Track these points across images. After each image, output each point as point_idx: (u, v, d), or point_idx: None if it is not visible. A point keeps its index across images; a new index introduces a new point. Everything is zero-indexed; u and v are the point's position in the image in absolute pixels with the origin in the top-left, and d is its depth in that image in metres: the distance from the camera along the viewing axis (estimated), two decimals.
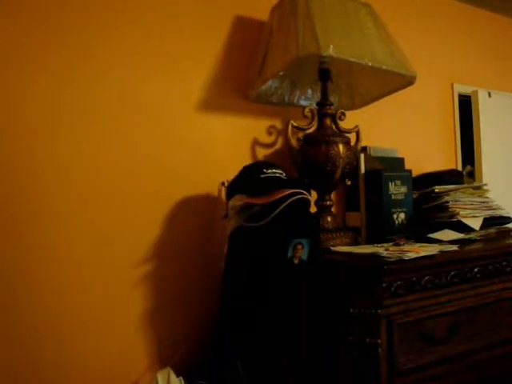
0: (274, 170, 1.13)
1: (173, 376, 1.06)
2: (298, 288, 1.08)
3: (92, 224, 1.19)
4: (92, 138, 1.20)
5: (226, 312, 1.13)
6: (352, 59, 1.17)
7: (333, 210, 1.37)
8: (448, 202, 1.36)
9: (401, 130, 1.84)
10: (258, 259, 1.08)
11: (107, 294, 1.19)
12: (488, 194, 1.51)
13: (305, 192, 1.06)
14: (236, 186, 1.15)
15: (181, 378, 1.07)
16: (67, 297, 1.14)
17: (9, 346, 1.07)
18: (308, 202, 1.09)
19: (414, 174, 1.46)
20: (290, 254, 1.07)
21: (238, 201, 1.09)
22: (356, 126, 1.41)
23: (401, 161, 1.57)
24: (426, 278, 1.03)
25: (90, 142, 1.20)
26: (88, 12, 1.22)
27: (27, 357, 1.09)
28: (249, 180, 1.13)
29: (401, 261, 0.98)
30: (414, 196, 1.42)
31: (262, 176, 1.10)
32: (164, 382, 1.04)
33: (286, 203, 1.01)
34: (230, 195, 1.15)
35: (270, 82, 1.36)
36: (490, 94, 2.11)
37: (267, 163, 1.19)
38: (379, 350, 0.95)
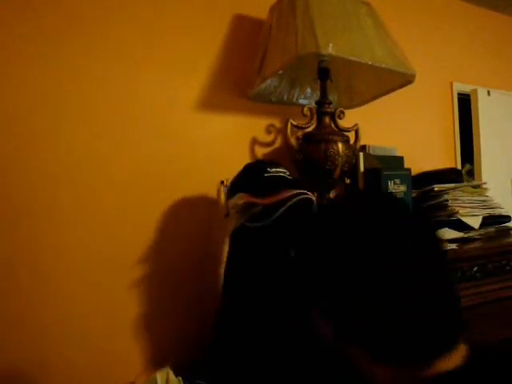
0: (277, 169, 1.12)
1: (172, 376, 1.06)
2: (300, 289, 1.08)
3: (90, 223, 1.18)
4: (92, 138, 1.20)
5: (227, 311, 1.13)
6: (351, 58, 1.16)
7: None
8: (447, 201, 1.37)
9: (400, 129, 1.84)
10: (260, 259, 1.07)
11: (105, 293, 1.19)
12: (487, 193, 1.51)
13: (309, 192, 1.06)
14: (238, 185, 1.13)
15: (179, 378, 1.07)
16: (65, 296, 1.14)
17: (11, 345, 1.07)
18: (312, 203, 1.09)
19: (414, 172, 1.46)
20: (293, 254, 1.07)
21: (240, 199, 1.07)
22: (355, 125, 1.40)
23: (400, 159, 1.56)
24: None
25: (89, 143, 1.19)
26: (88, 13, 1.21)
27: (24, 355, 1.09)
28: (252, 179, 1.11)
29: None
30: (414, 195, 1.42)
31: (266, 175, 1.09)
32: (163, 381, 1.04)
33: (290, 203, 1.01)
34: (231, 193, 1.13)
35: (269, 81, 1.36)
36: (489, 93, 2.11)
37: (271, 162, 1.18)
38: None
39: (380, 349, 0.48)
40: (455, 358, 0.49)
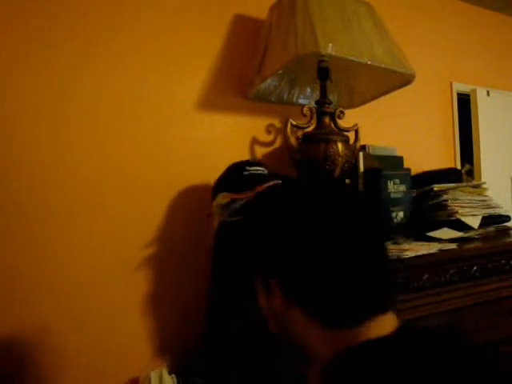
0: (256, 168, 1.17)
1: (165, 374, 1.06)
2: None
3: (89, 221, 1.19)
4: (95, 136, 1.21)
5: (213, 309, 1.16)
6: (351, 58, 1.16)
7: None
8: (447, 201, 1.37)
9: (400, 129, 1.84)
10: (239, 251, 1.10)
11: (105, 287, 1.19)
12: (487, 193, 1.51)
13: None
14: (220, 185, 1.18)
15: (173, 375, 1.08)
16: (64, 289, 1.14)
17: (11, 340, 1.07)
18: None
19: (413, 172, 1.46)
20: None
21: (223, 198, 1.12)
22: (355, 125, 1.40)
23: (400, 159, 1.57)
24: (425, 276, 1.03)
25: (93, 140, 1.20)
26: (89, 14, 1.21)
27: (25, 350, 1.09)
28: (232, 178, 1.17)
29: (400, 259, 0.98)
30: (413, 194, 1.42)
31: (245, 173, 1.14)
32: (157, 380, 1.04)
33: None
34: (214, 194, 1.17)
35: (268, 81, 1.36)
36: (488, 93, 2.12)
37: (250, 161, 1.23)
38: None
39: (314, 307, 0.54)
40: (385, 326, 0.53)
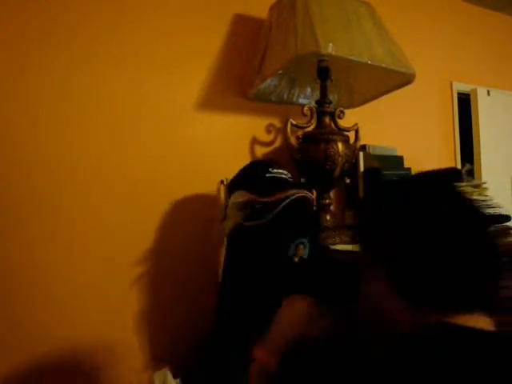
0: (279, 170, 1.13)
1: (170, 377, 1.05)
2: (298, 286, 1.08)
3: (90, 222, 1.19)
4: (95, 136, 1.21)
5: (224, 311, 1.13)
6: (351, 57, 1.16)
7: (332, 208, 1.37)
8: None
9: (400, 129, 1.84)
10: (258, 257, 1.07)
11: (105, 291, 1.19)
12: (487, 193, 1.51)
13: (308, 192, 1.07)
14: (238, 183, 1.13)
15: (178, 380, 1.06)
16: (66, 294, 1.14)
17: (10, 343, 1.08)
18: (310, 200, 1.09)
19: (413, 172, 1.46)
20: (290, 252, 1.06)
21: (242, 197, 1.07)
22: (355, 125, 1.40)
23: (400, 159, 1.57)
24: None
25: (93, 140, 1.20)
26: (89, 14, 1.21)
27: (23, 353, 1.09)
28: (254, 178, 1.11)
29: None
30: None
31: (268, 175, 1.10)
32: (160, 383, 1.04)
33: (288, 200, 1.02)
34: (230, 191, 1.13)
35: (268, 81, 1.36)
36: (488, 93, 2.11)
37: (271, 162, 1.18)
38: None
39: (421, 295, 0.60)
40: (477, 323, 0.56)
